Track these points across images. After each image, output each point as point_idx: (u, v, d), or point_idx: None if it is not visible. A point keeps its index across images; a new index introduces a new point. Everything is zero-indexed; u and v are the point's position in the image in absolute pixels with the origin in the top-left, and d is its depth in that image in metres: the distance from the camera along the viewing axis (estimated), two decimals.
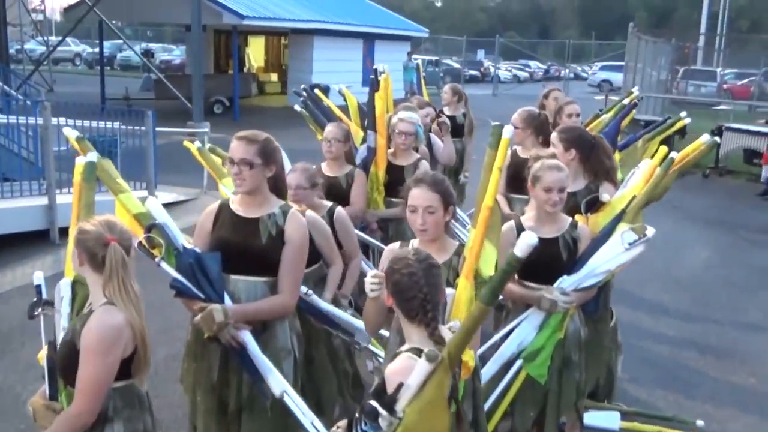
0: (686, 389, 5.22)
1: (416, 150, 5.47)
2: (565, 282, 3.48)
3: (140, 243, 2.98)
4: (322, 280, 3.87)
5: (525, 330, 3.53)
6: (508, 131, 3.10)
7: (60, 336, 2.70)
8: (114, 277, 2.52)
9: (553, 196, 3.50)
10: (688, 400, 5.06)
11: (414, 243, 3.09)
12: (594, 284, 3.52)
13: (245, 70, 26.80)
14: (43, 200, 8.14)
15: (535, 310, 3.51)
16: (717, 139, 4.41)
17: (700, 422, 4.65)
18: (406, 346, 2.44)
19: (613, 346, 4.68)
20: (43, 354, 2.73)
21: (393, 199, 5.10)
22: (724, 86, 27.38)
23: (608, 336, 4.35)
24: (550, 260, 3.50)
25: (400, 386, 2.24)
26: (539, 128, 5.22)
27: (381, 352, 4.01)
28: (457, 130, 7.12)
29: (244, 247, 3.15)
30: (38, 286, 2.85)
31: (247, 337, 3.08)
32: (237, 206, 3.25)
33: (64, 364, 2.57)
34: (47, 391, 2.65)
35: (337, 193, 4.87)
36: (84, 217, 2.91)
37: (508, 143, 3.13)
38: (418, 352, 2.38)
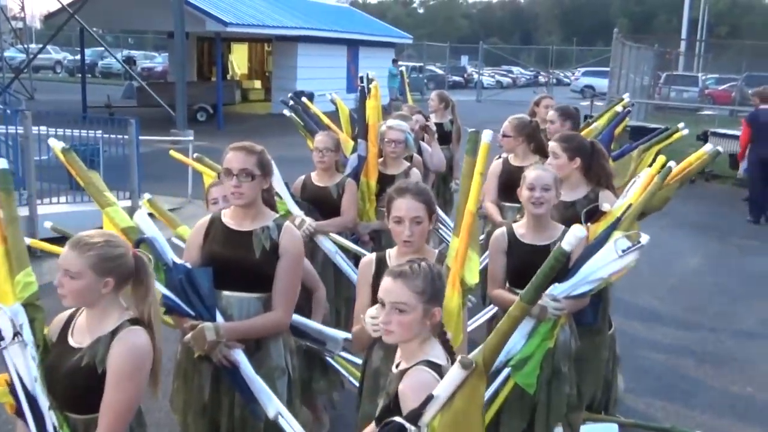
0: (684, 399, 5.15)
1: (410, 159, 5.39)
2: (557, 289, 3.39)
3: None
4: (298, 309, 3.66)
5: (514, 338, 3.40)
6: (486, 136, 3.05)
7: (26, 367, 2.41)
8: (150, 290, 2.45)
9: (536, 193, 3.49)
10: (686, 410, 4.99)
11: (391, 252, 3.05)
12: (586, 292, 3.42)
13: (229, 77, 26.69)
14: (24, 211, 7.95)
15: (524, 318, 3.41)
16: (720, 149, 4.34)
17: None
18: (413, 360, 2.35)
19: (611, 357, 4.60)
20: (4, 390, 2.47)
21: (384, 209, 5.00)
22: (706, 91, 27.59)
23: (606, 348, 4.26)
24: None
25: (429, 399, 2.13)
26: (531, 136, 5.16)
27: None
28: (444, 137, 7.05)
29: (237, 262, 3.03)
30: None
31: (240, 356, 2.97)
32: (229, 219, 3.13)
33: (78, 393, 2.41)
34: (33, 429, 2.40)
35: (328, 203, 4.78)
36: (11, 233, 2.65)
37: (488, 148, 3.06)
38: (430, 364, 2.31)
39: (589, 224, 3.78)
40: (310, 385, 4.15)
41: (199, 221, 3.24)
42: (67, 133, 9.12)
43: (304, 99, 6.25)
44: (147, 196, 4.08)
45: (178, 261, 3.05)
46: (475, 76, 36.04)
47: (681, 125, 5.15)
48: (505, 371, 3.40)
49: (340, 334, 3.58)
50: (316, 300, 3.76)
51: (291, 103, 5.81)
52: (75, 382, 2.39)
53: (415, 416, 2.13)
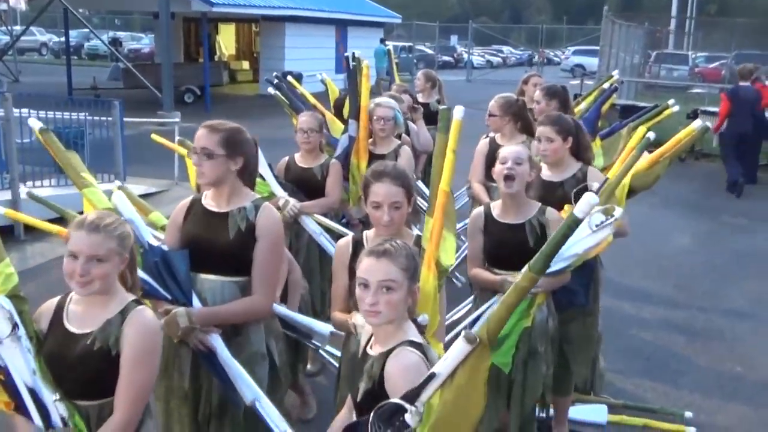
0: (673, 379, 5.13)
1: (399, 137, 5.33)
2: None
3: None
4: None
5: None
6: (458, 112, 2.93)
7: (23, 360, 2.34)
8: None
9: (507, 164, 3.44)
10: (675, 390, 4.97)
11: (368, 234, 3.00)
12: (563, 268, 3.34)
13: (216, 58, 26.46)
14: (6, 195, 7.84)
15: (501, 296, 3.38)
16: (708, 124, 4.26)
17: (688, 413, 4.56)
18: (392, 342, 2.30)
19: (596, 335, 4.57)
20: None
21: None
22: (696, 70, 27.52)
23: (596, 328, 4.22)
24: (517, 246, 3.44)
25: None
26: (517, 115, 5.10)
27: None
28: (431, 117, 6.94)
29: (212, 244, 2.94)
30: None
31: (217, 342, 2.89)
32: (209, 200, 3.04)
33: (92, 378, 2.36)
34: (39, 422, 2.34)
35: (312, 184, 4.72)
36: None
37: (460, 124, 2.94)
38: (413, 344, 2.29)
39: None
40: (296, 369, 4.11)
41: (182, 201, 3.16)
42: (51, 116, 9.00)
43: (289, 78, 6.16)
44: (117, 183, 4.02)
45: (155, 243, 2.98)
46: (465, 55, 35.86)
47: (671, 102, 5.07)
48: None
49: (327, 328, 3.50)
50: (291, 282, 3.68)
51: (275, 81, 5.72)
52: (88, 368, 2.35)
53: (412, 396, 2.08)
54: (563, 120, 4.08)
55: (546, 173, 4.02)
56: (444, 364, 2.11)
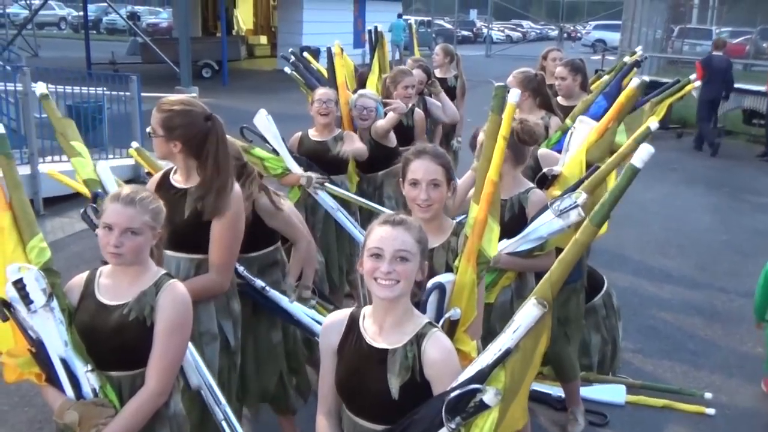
0: (693, 360, 5.08)
1: (412, 113, 5.32)
2: (503, 244, 3.31)
3: (84, 212, 2.88)
4: (272, 266, 3.53)
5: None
6: (514, 95, 2.76)
7: (56, 331, 2.36)
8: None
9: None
10: (694, 371, 4.92)
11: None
12: (526, 250, 3.33)
13: (234, 32, 26.31)
14: (26, 169, 7.87)
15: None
16: (646, 78, 4.29)
17: (708, 394, 4.52)
18: (412, 326, 2.24)
19: (613, 313, 4.52)
20: (27, 360, 2.41)
21: (366, 174, 5.09)
22: None
23: (582, 306, 4.12)
24: None
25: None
26: (536, 90, 5.00)
27: None
28: (448, 92, 6.88)
29: (169, 220, 2.81)
30: (19, 281, 2.39)
31: None
32: (177, 176, 3.01)
33: (127, 348, 2.39)
34: (70, 393, 2.37)
35: (326, 157, 4.73)
36: (17, 199, 2.61)
37: (514, 109, 2.79)
38: (432, 324, 2.27)
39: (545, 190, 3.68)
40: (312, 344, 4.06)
41: (155, 175, 3.15)
42: (69, 90, 9.01)
43: (306, 54, 6.11)
44: (135, 144, 4.03)
45: None
46: (485, 30, 35.50)
47: (693, 77, 4.96)
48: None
49: None
50: (306, 258, 3.61)
51: (292, 59, 5.68)
52: (123, 338, 2.38)
53: (482, 376, 2.09)
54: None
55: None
56: (515, 335, 2.12)
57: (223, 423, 2.79)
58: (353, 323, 2.33)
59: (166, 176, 3.05)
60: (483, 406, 2.04)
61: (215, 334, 3.00)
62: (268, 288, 3.35)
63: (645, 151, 2.15)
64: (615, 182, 3.53)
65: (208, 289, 2.92)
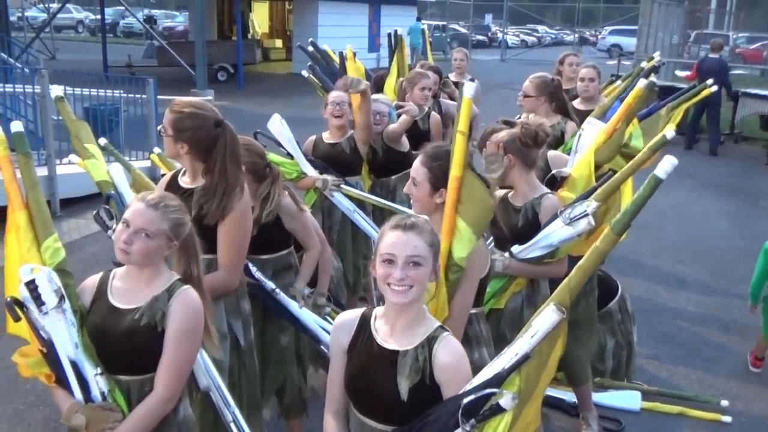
0: (709, 366, 5.04)
1: (427, 117, 5.33)
2: (515, 250, 3.34)
3: (97, 213, 2.86)
4: (286, 269, 3.56)
5: None
6: (469, 89, 2.77)
7: (67, 333, 2.35)
8: (199, 252, 2.54)
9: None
10: (711, 378, 4.88)
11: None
12: (538, 257, 3.32)
13: (249, 36, 26.44)
14: (43, 171, 7.93)
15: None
16: (654, 79, 4.27)
17: (724, 402, 4.49)
18: (424, 329, 2.23)
19: (627, 318, 4.49)
20: (38, 360, 2.41)
21: (378, 179, 5.11)
22: (737, 50, 26.84)
23: (593, 308, 4.10)
24: (508, 227, 3.41)
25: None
26: (553, 95, 4.98)
27: None
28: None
29: None
30: (31, 282, 2.36)
31: None
32: (185, 177, 3.02)
33: (136, 353, 2.37)
34: (79, 395, 2.35)
35: (341, 159, 4.75)
36: (33, 199, 2.62)
37: (470, 103, 2.81)
38: (444, 329, 2.25)
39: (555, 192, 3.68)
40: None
41: (165, 176, 3.16)
42: (87, 93, 9.07)
43: (324, 47, 6.13)
44: (156, 150, 4.04)
45: None
46: (500, 35, 35.44)
47: (710, 82, 4.94)
48: None
49: None
50: (322, 263, 3.62)
51: (310, 49, 5.68)
52: (133, 343, 2.36)
53: (499, 380, 2.08)
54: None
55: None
56: (532, 341, 2.11)
57: (232, 425, 2.80)
58: (364, 323, 2.32)
59: (175, 176, 3.07)
60: (499, 410, 2.04)
61: (225, 333, 3.01)
62: (278, 291, 3.35)
63: (669, 162, 2.17)
64: (630, 189, 3.56)
65: (217, 288, 2.91)
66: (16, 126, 2.76)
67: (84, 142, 3.28)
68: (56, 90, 3.35)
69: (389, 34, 5.45)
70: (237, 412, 2.83)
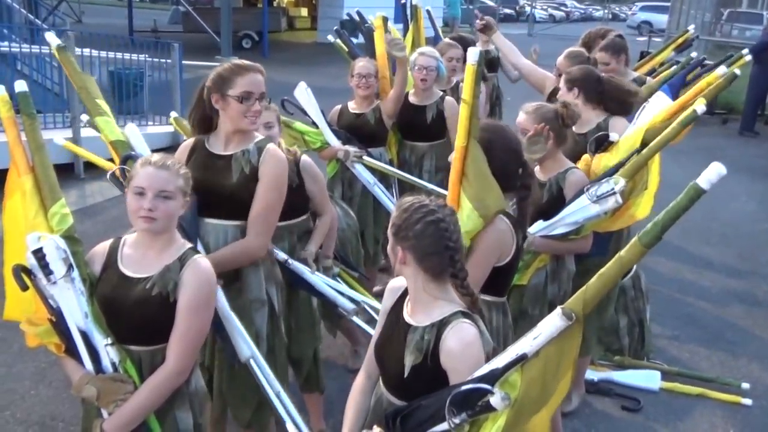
0: (731, 349, 4.97)
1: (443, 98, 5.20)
2: (539, 226, 3.26)
3: (113, 174, 2.82)
4: (307, 234, 3.51)
5: None
6: (473, 54, 2.66)
7: (76, 302, 2.30)
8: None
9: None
10: (732, 360, 4.82)
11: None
12: (562, 234, 3.25)
13: (275, 3, 26.26)
14: (68, 133, 7.96)
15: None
16: (737, 71, 3.85)
17: (745, 384, 4.43)
18: (442, 310, 2.17)
19: (639, 295, 4.38)
20: (47, 329, 2.34)
21: (410, 143, 4.92)
22: None
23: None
24: (532, 201, 3.23)
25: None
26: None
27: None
28: (492, 63, 6.73)
29: (214, 187, 2.83)
30: (39, 251, 2.28)
31: (218, 294, 2.74)
32: (213, 142, 2.94)
33: (148, 323, 2.33)
34: (89, 366, 2.31)
35: (365, 130, 4.69)
36: (39, 162, 2.55)
37: (474, 70, 2.67)
38: (465, 314, 2.16)
39: (595, 154, 3.57)
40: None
41: (183, 143, 3.07)
42: (112, 56, 9.06)
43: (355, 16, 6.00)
44: (174, 114, 3.97)
45: None
46: (528, 8, 34.93)
47: (745, 51, 4.68)
48: None
49: (350, 305, 3.38)
50: (320, 221, 3.55)
51: (357, 18, 5.61)
52: (144, 312, 2.31)
53: (494, 377, 1.97)
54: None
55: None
56: (535, 343, 1.98)
57: (274, 398, 2.79)
58: (405, 294, 2.32)
59: (197, 146, 2.97)
60: (489, 408, 1.95)
61: (264, 300, 2.99)
62: (290, 261, 3.28)
63: (714, 171, 1.91)
64: (657, 166, 3.46)
65: (247, 254, 2.89)
66: (20, 86, 2.65)
67: (94, 96, 3.11)
68: (53, 39, 3.12)
69: (403, 5, 5.23)
70: (276, 382, 2.81)
